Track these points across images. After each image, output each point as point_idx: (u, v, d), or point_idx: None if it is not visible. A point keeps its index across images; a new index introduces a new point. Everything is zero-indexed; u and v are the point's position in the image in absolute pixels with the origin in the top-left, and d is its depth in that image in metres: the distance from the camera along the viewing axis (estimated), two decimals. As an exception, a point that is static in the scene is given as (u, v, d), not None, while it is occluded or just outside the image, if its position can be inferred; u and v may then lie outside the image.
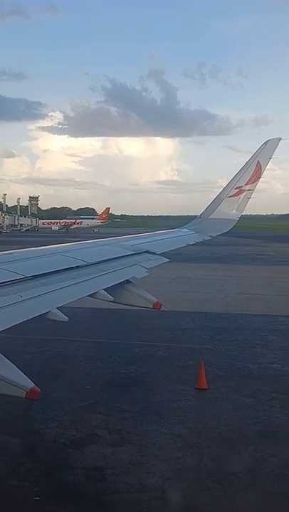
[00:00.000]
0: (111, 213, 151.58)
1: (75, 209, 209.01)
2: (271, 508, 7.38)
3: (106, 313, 17.49)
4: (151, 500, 7.31)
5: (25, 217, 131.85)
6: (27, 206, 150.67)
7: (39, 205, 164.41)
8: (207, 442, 9.20)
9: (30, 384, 4.14)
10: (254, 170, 12.72)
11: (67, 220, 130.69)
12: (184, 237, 12.61)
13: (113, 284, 6.94)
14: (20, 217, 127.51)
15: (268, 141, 12.73)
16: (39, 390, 4.15)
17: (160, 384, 12.20)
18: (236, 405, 10.93)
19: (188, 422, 10.03)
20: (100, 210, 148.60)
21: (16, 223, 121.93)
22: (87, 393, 11.49)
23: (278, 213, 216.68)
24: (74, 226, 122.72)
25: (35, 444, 9.19)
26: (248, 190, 12.93)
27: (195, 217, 14.73)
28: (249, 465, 8.40)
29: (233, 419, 10.25)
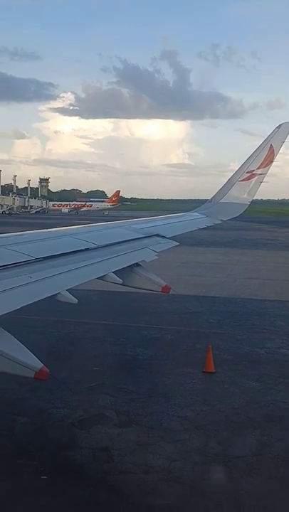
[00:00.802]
0: (121, 196, 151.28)
1: (85, 191, 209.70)
2: (276, 492, 7.43)
3: (115, 296, 17.53)
4: (156, 481, 7.38)
5: (35, 198, 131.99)
6: (37, 188, 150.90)
7: (49, 187, 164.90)
8: (213, 425, 9.25)
9: (39, 364, 4.18)
10: (266, 154, 12.60)
11: (77, 203, 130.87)
12: (194, 220, 12.55)
13: (122, 267, 6.95)
14: (30, 199, 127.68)
15: (281, 124, 12.58)
16: (48, 370, 4.19)
17: (167, 367, 12.26)
18: (243, 389, 10.96)
19: (195, 405, 10.08)
20: (110, 193, 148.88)
21: (26, 205, 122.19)
22: (94, 374, 11.57)
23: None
24: (84, 208, 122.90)
25: (42, 423, 9.28)
26: (260, 174, 12.81)
27: (205, 201, 14.65)
28: (255, 449, 8.45)
29: (239, 402, 10.28)
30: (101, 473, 7.61)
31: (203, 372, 11.80)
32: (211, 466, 7.89)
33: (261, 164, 12.71)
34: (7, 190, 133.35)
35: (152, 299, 18.06)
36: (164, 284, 7.30)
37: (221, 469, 7.80)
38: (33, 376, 4.18)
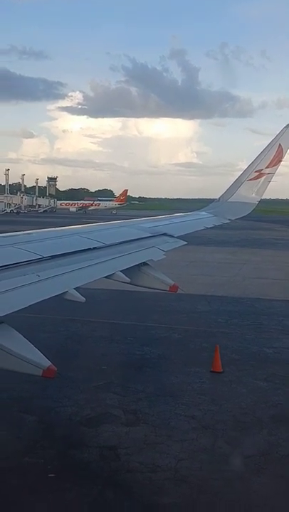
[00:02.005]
0: (129, 195, 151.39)
1: (93, 190, 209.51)
2: (284, 491, 7.41)
3: (122, 295, 17.55)
4: (164, 480, 7.39)
5: (43, 197, 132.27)
6: (45, 187, 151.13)
7: (57, 186, 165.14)
8: (221, 425, 9.25)
9: (46, 362, 4.18)
10: (275, 153, 12.53)
11: (85, 202, 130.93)
12: (202, 220, 12.52)
13: (130, 266, 6.94)
14: (38, 198, 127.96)
15: (289, 123, 12.51)
16: (55, 368, 4.19)
17: (175, 366, 12.25)
18: (251, 389, 10.94)
19: (202, 404, 10.08)
20: (118, 192, 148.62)
21: (34, 204, 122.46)
22: (102, 373, 11.59)
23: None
24: (92, 208, 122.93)
25: (50, 422, 9.31)
26: (269, 173, 12.75)
27: (214, 200, 14.61)
28: (263, 448, 8.43)
29: (247, 402, 10.27)
30: (108, 471, 7.62)
31: (211, 371, 11.79)
32: (218, 465, 7.88)
33: (270, 163, 12.65)
34: (15, 189, 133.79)
35: (160, 298, 18.05)
36: (172, 283, 7.29)
37: (229, 468, 7.79)
38: (40, 374, 4.18)
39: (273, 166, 12.65)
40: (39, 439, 8.61)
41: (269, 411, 9.89)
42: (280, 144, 12.50)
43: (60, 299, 5.13)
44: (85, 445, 8.39)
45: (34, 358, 4.18)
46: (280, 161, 12.67)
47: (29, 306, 4.58)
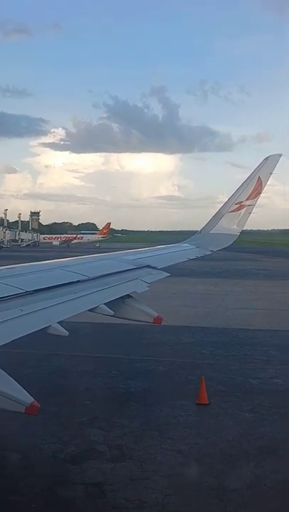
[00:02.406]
0: (112, 228, 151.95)
1: (76, 224, 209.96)
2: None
3: (106, 328, 17.45)
4: (151, 516, 7.24)
5: (26, 232, 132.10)
6: (28, 221, 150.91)
7: (40, 220, 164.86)
8: (208, 458, 9.14)
9: (29, 399, 4.14)
10: (255, 185, 12.78)
11: (68, 235, 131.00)
12: (184, 251, 12.62)
13: (114, 299, 6.95)
14: (21, 232, 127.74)
15: (268, 156, 12.79)
16: (39, 405, 4.15)
17: (160, 399, 12.15)
18: (237, 421, 10.87)
19: (188, 438, 9.97)
20: (100, 225, 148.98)
21: (17, 238, 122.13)
22: (86, 408, 11.43)
23: (279, 228, 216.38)
24: (75, 241, 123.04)
25: (34, 459, 9.13)
26: (249, 205, 12.96)
27: (195, 232, 14.75)
28: (250, 481, 8.34)
29: (234, 434, 10.18)
30: (94, 509, 7.47)
31: (197, 404, 11.70)
32: (206, 500, 7.77)
33: (250, 195, 12.88)
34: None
35: (144, 330, 18.00)
36: (156, 314, 7.30)
37: (216, 503, 7.68)
38: (23, 411, 4.14)
39: (253, 198, 12.89)
40: (23, 476, 8.42)
41: (256, 443, 9.82)
42: (259, 177, 12.77)
43: (43, 333, 5.11)
44: (69, 482, 8.23)
45: (16, 394, 4.14)
46: (260, 193, 12.91)
47: (12, 340, 4.55)
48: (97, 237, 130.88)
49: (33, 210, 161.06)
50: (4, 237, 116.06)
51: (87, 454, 9.21)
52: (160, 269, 9.52)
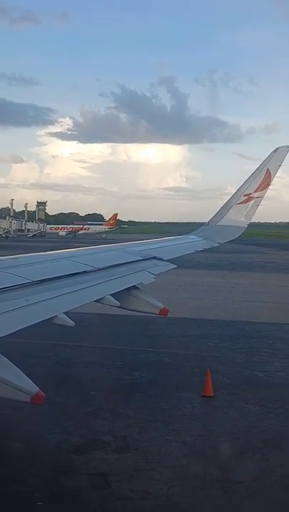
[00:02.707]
0: (119, 219, 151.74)
1: (83, 215, 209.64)
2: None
3: (112, 319, 17.45)
4: (155, 507, 7.25)
5: (32, 222, 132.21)
6: (34, 211, 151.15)
7: (47, 211, 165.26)
8: (212, 450, 9.13)
9: (35, 388, 4.13)
10: (263, 177, 12.69)
11: (75, 226, 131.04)
12: (191, 243, 12.57)
13: (120, 290, 6.92)
14: (27, 222, 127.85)
15: (278, 148, 12.69)
16: (44, 394, 4.14)
17: (165, 391, 12.14)
18: (242, 413, 10.85)
19: (193, 430, 9.97)
20: (107, 216, 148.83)
21: (23, 228, 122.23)
22: (92, 399, 11.44)
23: (287, 221, 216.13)
24: (81, 232, 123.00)
25: (38, 449, 9.15)
26: (257, 197, 12.88)
27: (203, 224, 14.69)
28: (255, 474, 8.32)
29: (239, 427, 10.17)
30: (98, 499, 7.48)
31: (202, 396, 11.69)
32: (210, 491, 7.76)
33: (258, 187, 12.79)
34: (4, 213, 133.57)
35: (150, 321, 17.98)
36: (162, 306, 7.28)
37: (221, 495, 7.67)
38: (29, 401, 4.12)
39: (262, 190, 12.80)
40: (27, 466, 8.43)
41: (261, 436, 9.80)
42: (268, 169, 12.67)
43: (49, 323, 5.08)
44: (74, 472, 8.24)
45: (22, 384, 4.13)
46: (269, 185, 12.82)
47: (18, 330, 4.53)
48: (103, 228, 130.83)
49: (39, 200, 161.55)
50: (10, 227, 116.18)
51: (91, 445, 9.22)
52: (167, 260, 9.48)
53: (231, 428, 10.10)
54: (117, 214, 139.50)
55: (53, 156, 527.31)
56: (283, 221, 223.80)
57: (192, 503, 7.49)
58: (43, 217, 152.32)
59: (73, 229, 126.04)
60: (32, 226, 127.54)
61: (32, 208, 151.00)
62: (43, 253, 8.56)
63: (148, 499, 7.43)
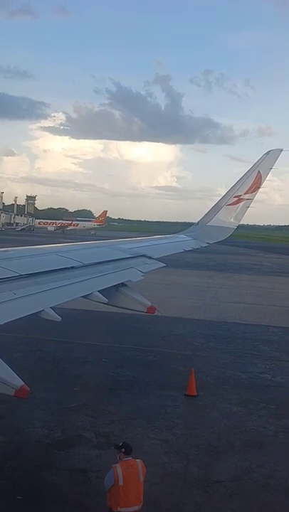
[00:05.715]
0: (108, 216, 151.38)
1: (73, 210, 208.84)
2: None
3: (99, 316, 17.44)
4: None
5: (21, 216, 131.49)
6: (24, 205, 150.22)
7: (36, 205, 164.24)
8: (194, 449, 9.17)
9: (19, 382, 4.12)
10: (254, 179, 12.73)
11: (64, 221, 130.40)
12: (181, 243, 12.59)
13: (108, 286, 6.92)
14: (16, 216, 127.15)
15: (269, 151, 12.73)
16: (28, 388, 4.12)
17: (149, 389, 12.17)
18: (225, 413, 10.91)
19: (175, 428, 10.00)
20: (97, 213, 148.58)
21: (12, 222, 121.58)
22: (75, 395, 11.44)
23: (275, 224, 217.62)
24: (70, 227, 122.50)
25: (20, 443, 9.12)
26: (247, 199, 12.92)
27: (192, 224, 14.72)
28: (235, 474, 8.37)
29: (221, 427, 10.22)
30: (78, 494, 7.48)
31: (185, 395, 11.73)
32: (190, 490, 7.79)
33: (248, 189, 12.83)
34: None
35: (137, 319, 18.00)
36: (150, 304, 7.29)
37: (200, 493, 7.70)
38: (13, 394, 4.11)
39: (252, 192, 12.84)
40: (7, 460, 8.41)
41: (242, 436, 9.86)
42: (259, 171, 12.71)
43: (36, 317, 5.07)
44: (54, 467, 8.24)
45: (7, 377, 4.11)
46: (259, 187, 12.86)
47: (4, 323, 4.51)
48: (93, 224, 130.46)
49: (29, 194, 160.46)
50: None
51: (73, 440, 9.22)
52: (156, 259, 9.50)
53: (213, 427, 10.15)
54: (106, 211, 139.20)
55: (45, 151, 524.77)
56: (272, 224, 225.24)
57: (172, 500, 7.51)
58: (32, 212, 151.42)
59: (62, 224, 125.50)
60: (21, 220, 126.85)
61: (22, 201, 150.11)
62: (31, 247, 8.52)
63: (128, 496, 7.42)
